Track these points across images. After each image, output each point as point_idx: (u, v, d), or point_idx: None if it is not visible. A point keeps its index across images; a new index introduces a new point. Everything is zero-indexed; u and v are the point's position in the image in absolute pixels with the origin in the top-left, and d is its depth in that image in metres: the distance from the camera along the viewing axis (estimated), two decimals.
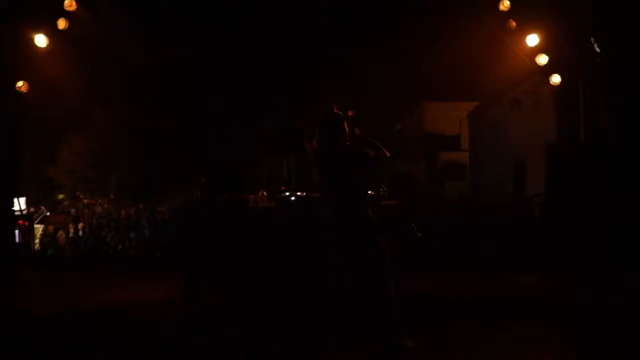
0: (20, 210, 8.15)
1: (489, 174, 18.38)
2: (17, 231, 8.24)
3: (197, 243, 4.80)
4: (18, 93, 6.97)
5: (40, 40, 6.90)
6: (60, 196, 20.55)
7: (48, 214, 17.19)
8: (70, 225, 12.10)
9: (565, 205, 7.27)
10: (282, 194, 4.93)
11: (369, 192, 3.90)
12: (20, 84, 6.96)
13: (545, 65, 7.48)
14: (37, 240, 12.63)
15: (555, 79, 7.41)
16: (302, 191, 4.96)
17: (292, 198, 4.86)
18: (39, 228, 15.26)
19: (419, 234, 5.00)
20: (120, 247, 9.29)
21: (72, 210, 16.02)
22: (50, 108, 11.09)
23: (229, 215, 4.78)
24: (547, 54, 7.34)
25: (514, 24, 7.40)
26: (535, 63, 7.61)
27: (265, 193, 4.91)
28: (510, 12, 7.41)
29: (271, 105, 16.77)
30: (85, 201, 17.65)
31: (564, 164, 7.32)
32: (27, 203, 14.68)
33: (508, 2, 7.30)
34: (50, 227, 13.17)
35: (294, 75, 16.24)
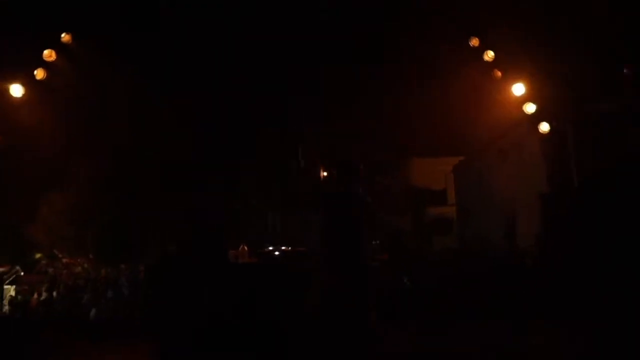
0: None
1: (477, 226, 18.16)
2: None
3: (169, 306, 4.39)
4: None
5: (16, 90, 6.69)
6: (38, 255, 19.74)
7: (22, 273, 16.39)
8: (44, 287, 11.51)
9: (559, 254, 7.02)
10: (265, 249, 4.64)
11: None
12: None
13: (533, 114, 7.44)
14: (5, 302, 11.95)
15: (544, 127, 7.36)
16: (286, 245, 4.69)
17: (276, 253, 4.57)
18: (9, 289, 14.45)
19: (409, 285, 4.90)
20: (93, 310, 8.69)
21: (50, 270, 15.29)
22: (26, 161, 10.75)
23: (205, 273, 4.40)
24: (533, 102, 7.33)
25: (499, 73, 7.43)
26: (521, 112, 7.58)
27: (246, 248, 4.60)
28: (495, 63, 7.45)
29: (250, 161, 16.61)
30: (64, 260, 16.93)
31: (558, 212, 7.12)
32: None
33: (492, 53, 7.35)
34: (25, 288, 12.54)
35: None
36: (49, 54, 6.76)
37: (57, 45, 6.79)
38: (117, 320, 8.34)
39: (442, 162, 22.97)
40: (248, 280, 4.26)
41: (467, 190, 20.47)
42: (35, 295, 11.09)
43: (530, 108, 7.37)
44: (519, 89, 7.33)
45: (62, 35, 6.79)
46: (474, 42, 7.42)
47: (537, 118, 7.50)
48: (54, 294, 10.31)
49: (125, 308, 8.69)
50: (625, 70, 6.57)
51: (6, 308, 10.92)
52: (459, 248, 15.61)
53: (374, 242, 4.47)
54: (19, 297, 11.34)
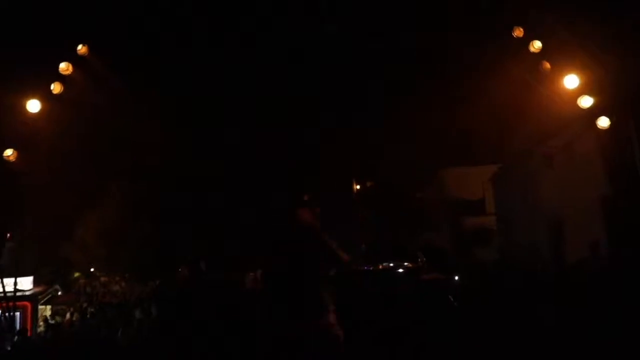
0: (3, 291, 7.30)
1: (519, 237, 17.12)
2: (17, 313, 7.44)
3: (178, 331, 3.86)
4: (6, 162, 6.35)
5: (33, 105, 6.38)
6: (76, 274, 19.85)
7: (60, 293, 16.37)
8: (79, 305, 11.46)
9: (632, 261, 6.17)
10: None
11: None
12: (9, 152, 6.35)
13: (589, 109, 6.67)
14: (41, 322, 11.90)
15: (603, 122, 6.57)
16: None
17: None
18: (45, 309, 14.39)
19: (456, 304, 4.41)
20: (120, 330, 8.29)
21: (88, 289, 15.25)
22: (58, 180, 10.55)
23: (216, 298, 3.85)
24: (590, 95, 6.56)
25: (547, 65, 6.71)
26: (573, 108, 6.83)
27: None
28: (542, 54, 6.75)
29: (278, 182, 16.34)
30: (102, 279, 16.91)
31: (626, 216, 6.31)
32: (35, 282, 13.85)
33: (539, 43, 6.65)
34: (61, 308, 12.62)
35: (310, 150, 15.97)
36: (65, 67, 6.45)
37: (74, 58, 6.47)
38: (141, 341, 7.94)
39: (478, 170, 22.12)
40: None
41: (507, 200, 19.48)
42: (68, 316, 10.90)
43: (585, 102, 6.60)
44: (572, 81, 6.57)
45: (79, 47, 6.47)
46: (518, 32, 6.74)
47: (593, 113, 6.71)
48: (88, 314, 10.04)
49: (152, 328, 8.32)
50: None
51: (41, 328, 10.78)
52: (500, 260, 14.71)
53: (419, 261, 4.04)
54: (57, 317, 11.23)
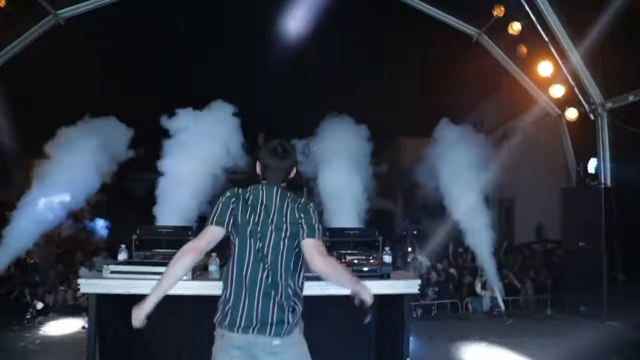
0: None
1: None
2: None
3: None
4: None
5: None
6: None
7: None
8: None
9: None
10: None
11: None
12: None
13: (558, 99, 6.58)
14: None
15: (571, 113, 6.50)
16: None
17: None
18: None
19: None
20: None
21: None
22: None
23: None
24: (562, 84, 6.45)
25: (524, 49, 6.51)
26: (544, 95, 6.73)
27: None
28: (521, 36, 6.53)
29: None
30: None
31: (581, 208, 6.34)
32: None
33: (519, 25, 6.41)
34: None
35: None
36: None
37: None
38: None
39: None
40: None
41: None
42: None
43: (557, 91, 6.50)
44: (546, 68, 6.42)
45: None
46: (499, 11, 6.47)
47: (562, 103, 6.63)
48: None
49: None
50: None
51: None
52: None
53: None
54: None
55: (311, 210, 2.39)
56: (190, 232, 4.10)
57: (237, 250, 2.40)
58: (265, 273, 2.35)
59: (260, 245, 2.36)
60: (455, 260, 10.50)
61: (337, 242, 3.84)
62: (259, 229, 2.37)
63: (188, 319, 3.52)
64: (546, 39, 6.29)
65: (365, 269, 3.22)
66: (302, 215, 2.35)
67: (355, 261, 3.28)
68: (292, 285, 2.38)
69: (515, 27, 6.41)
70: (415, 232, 13.14)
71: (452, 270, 9.41)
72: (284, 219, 2.36)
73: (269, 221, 2.36)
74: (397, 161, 18.89)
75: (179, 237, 3.93)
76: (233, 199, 2.41)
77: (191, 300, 3.28)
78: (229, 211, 2.40)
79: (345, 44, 10.77)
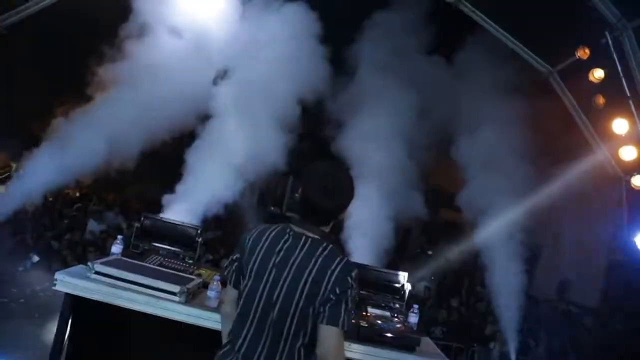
0: None
1: None
2: None
3: None
4: None
5: None
6: None
7: None
8: None
9: None
10: None
11: None
12: None
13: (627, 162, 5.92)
14: None
15: (637, 181, 5.84)
16: None
17: None
18: None
19: None
20: None
21: None
22: None
23: None
24: (635, 146, 5.79)
25: (602, 101, 5.86)
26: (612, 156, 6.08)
27: None
28: (601, 86, 5.88)
29: None
30: None
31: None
32: None
33: (601, 73, 5.76)
34: None
35: None
36: None
37: None
38: None
39: None
40: None
41: None
42: None
43: (627, 154, 5.85)
44: (621, 126, 5.77)
45: None
46: (582, 53, 5.83)
47: (629, 167, 5.98)
48: None
49: None
50: None
51: None
52: None
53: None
54: None
55: (349, 283, 1.88)
56: (196, 233, 3.67)
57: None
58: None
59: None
60: (468, 298, 9.92)
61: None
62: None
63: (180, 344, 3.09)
64: (629, 93, 5.63)
65: (389, 335, 2.70)
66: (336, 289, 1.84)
67: (379, 321, 2.77)
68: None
69: (597, 74, 5.76)
70: (430, 252, 12.53)
71: (463, 310, 8.87)
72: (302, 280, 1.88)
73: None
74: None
75: (184, 236, 3.55)
76: (237, 255, 2.00)
77: (182, 326, 2.85)
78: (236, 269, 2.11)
79: None
